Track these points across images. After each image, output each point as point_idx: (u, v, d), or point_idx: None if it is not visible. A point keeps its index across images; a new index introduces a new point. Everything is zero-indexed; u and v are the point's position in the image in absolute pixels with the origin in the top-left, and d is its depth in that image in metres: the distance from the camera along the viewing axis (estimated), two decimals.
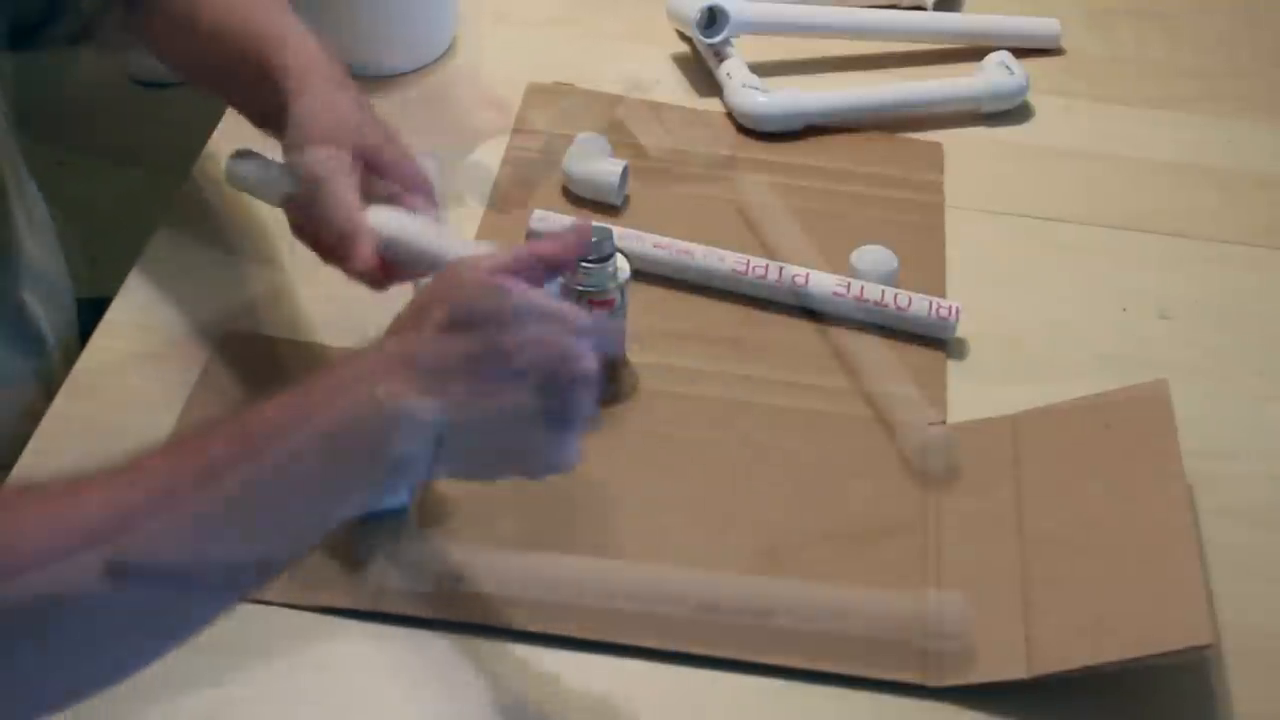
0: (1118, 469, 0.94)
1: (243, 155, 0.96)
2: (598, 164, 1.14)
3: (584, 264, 0.96)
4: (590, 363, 0.75)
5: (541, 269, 0.79)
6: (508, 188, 1.16)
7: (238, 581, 0.71)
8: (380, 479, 0.72)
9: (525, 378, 0.74)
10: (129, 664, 0.69)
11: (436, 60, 1.27)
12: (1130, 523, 0.91)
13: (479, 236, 1.12)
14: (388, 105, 1.20)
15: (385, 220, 0.88)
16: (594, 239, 0.95)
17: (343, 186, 0.88)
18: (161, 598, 0.68)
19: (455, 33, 1.29)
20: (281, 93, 0.91)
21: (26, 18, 1.02)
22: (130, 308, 1.04)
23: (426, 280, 0.85)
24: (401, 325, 0.76)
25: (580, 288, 0.96)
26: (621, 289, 0.98)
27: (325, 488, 0.71)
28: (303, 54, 0.93)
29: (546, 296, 0.78)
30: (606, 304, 0.97)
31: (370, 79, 1.18)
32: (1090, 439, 0.96)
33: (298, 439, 0.70)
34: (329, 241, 0.88)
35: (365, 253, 0.87)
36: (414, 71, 1.26)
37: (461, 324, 0.74)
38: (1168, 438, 0.93)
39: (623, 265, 0.98)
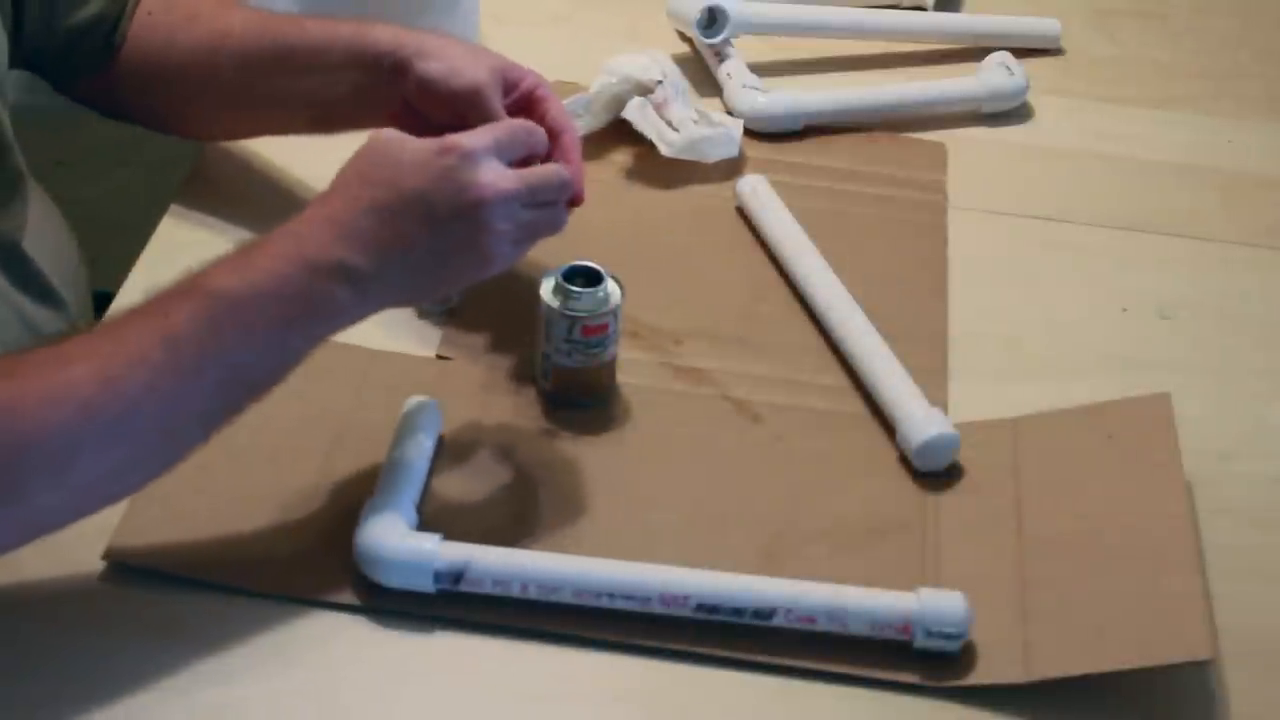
0: (1118, 478, 0.94)
1: None
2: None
3: (575, 289, 0.96)
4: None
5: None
6: None
7: (210, 420, 0.83)
8: (323, 326, 0.85)
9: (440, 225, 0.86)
10: (132, 485, 0.82)
11: None
12: (1131, 531, 0.91)
13: None
14: None
15: None
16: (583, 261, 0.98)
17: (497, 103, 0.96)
18: (145, 448, 0.80)
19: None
20: (391, 63, 0.98)
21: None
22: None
23: None
24: (335, 192, 0.86)
25: (572, 313, 0.96)
26: (614, 314, 0.98)
27: (273, 338, 0.83)
28: (389, 30, 1.00)
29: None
30: (600, 329, 0.97)
31: None
32: (1091, 447, 0.96)
33: (244, 298, 0.81)
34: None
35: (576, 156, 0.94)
36: None
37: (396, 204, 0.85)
38: (1170, 450, 0.93)
39: (613, 290, 0.98)
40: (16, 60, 1.02)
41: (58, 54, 1.05)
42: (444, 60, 0.97)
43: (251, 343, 0.82)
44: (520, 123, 0.92)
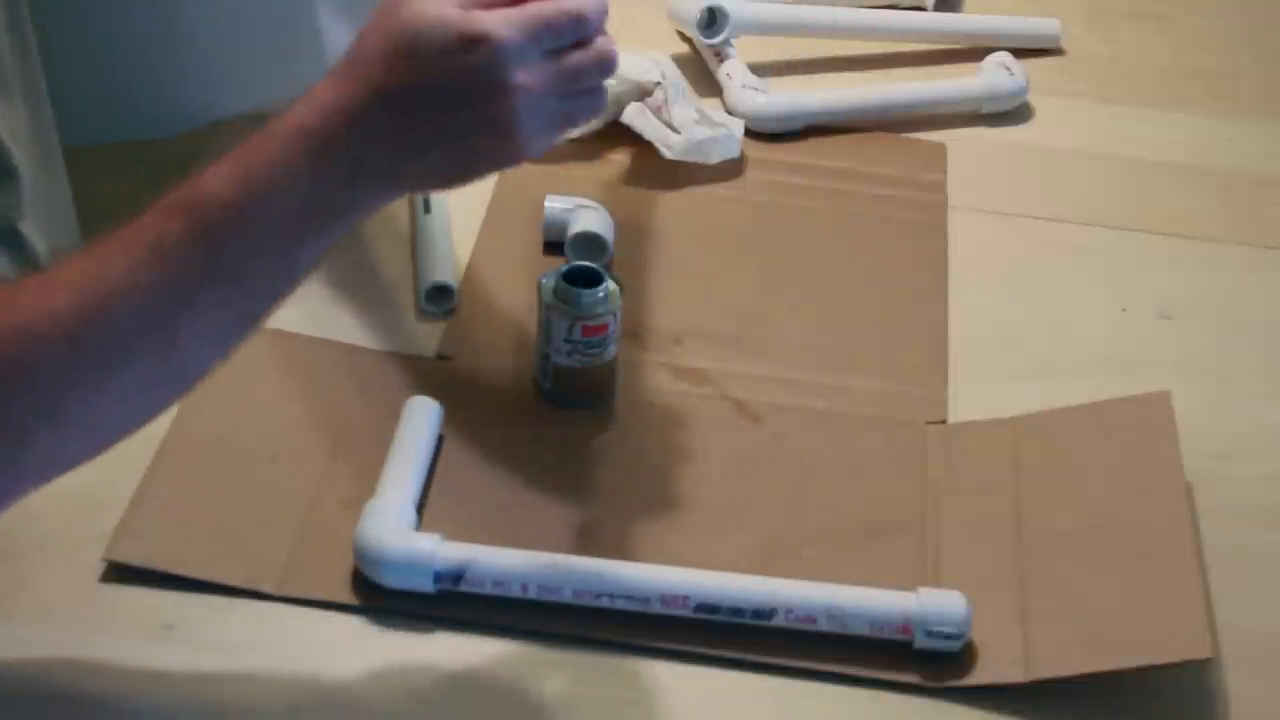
0: (1118, 478, 0.94)
1: None
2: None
3: (575, 289, 0.96)
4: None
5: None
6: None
7: (219, 339, 0.74)
8: (334, 230, 0.75)
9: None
10: (141, 416, 0.75)
11: None
12: (1130, 530, 0.91)
13: (486, 224, 1.12)
14: None
15: None
16: (582, 261, 0.97)
17: None
18: (149, 372, 0.72)
19: None
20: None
21: None
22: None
23: None
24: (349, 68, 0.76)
25: (572, 313, 0.96)
26: (614, 313, 0.98)
27: (277, 251, 0.74)
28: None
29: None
30: (600, 329, 0.97)
31: None
32: (1091, 446, 0.96)
33: (242, 209, 0.73)
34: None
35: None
36: None
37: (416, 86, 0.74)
38: (1169, 449, 0.93)
39: (613, 290, 0.98)
40: None
41: None
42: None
43: (252, 259, 0.73)
44: (568, 7, 0.79)
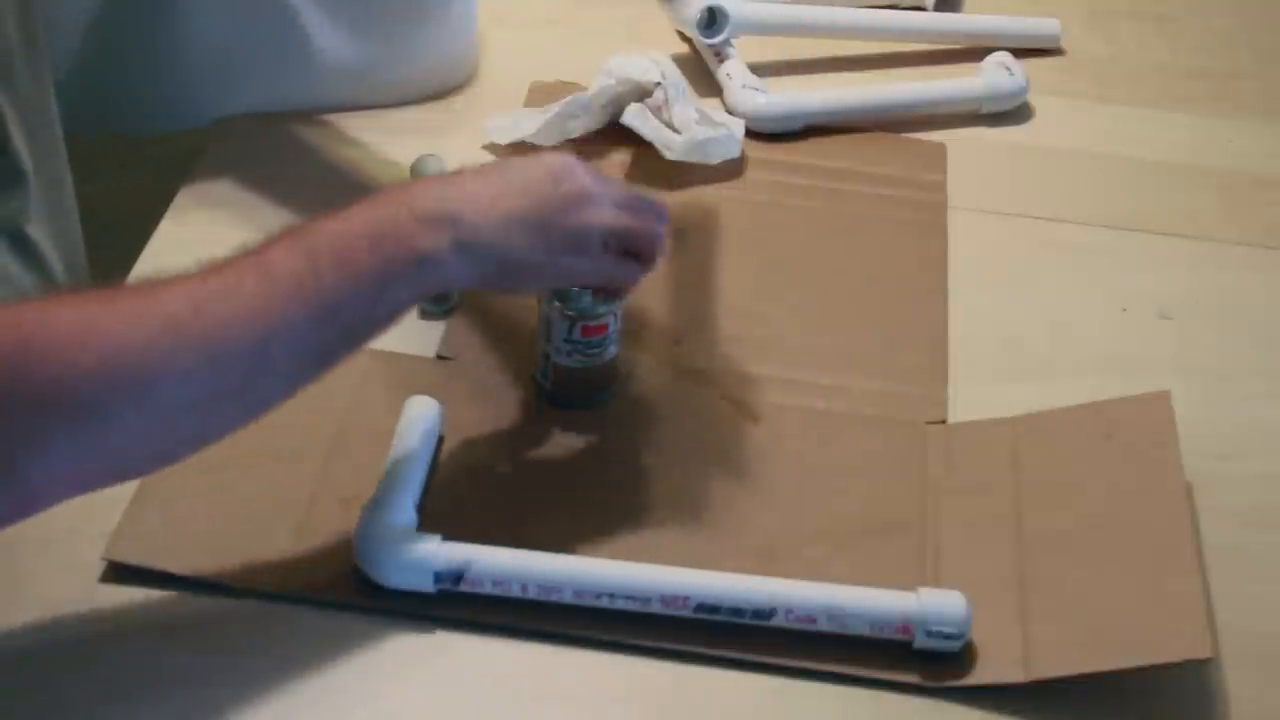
0: (1118, 478, 0.94)
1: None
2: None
3: (576, 289, 0.96)
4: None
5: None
6: None
7: (302, 363, 0.80)
8: (425, 278, 0.83)
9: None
10: (212, 434, 0.79)
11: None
12: (1130, 530, 0.91)
13: None
14: (411, 115, 1.21)
15: None
16: None
17: None
18: (232, 379, 0.77)
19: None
20: None
21: None
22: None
23: None
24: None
25: (572, 313, 0.96)
26: (614, 313, 0.98)
27: (371, 280, 0.80)
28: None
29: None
30: (600, 329, 0.97)
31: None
32: (1091, 446, 0.96)
33: (341, 236, 0.80)
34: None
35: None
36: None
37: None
38: (1169, 449, 0.93)
39: None
40: None
41: None
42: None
43: (349, 282, 0.79)
44: (649, 206, 0.94)
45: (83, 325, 0.73)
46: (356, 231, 0.80)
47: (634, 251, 0.92)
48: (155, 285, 0.77)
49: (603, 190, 0.90)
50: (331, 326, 0.79)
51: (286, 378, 0.79)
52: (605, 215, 0.89)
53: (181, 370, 0.75)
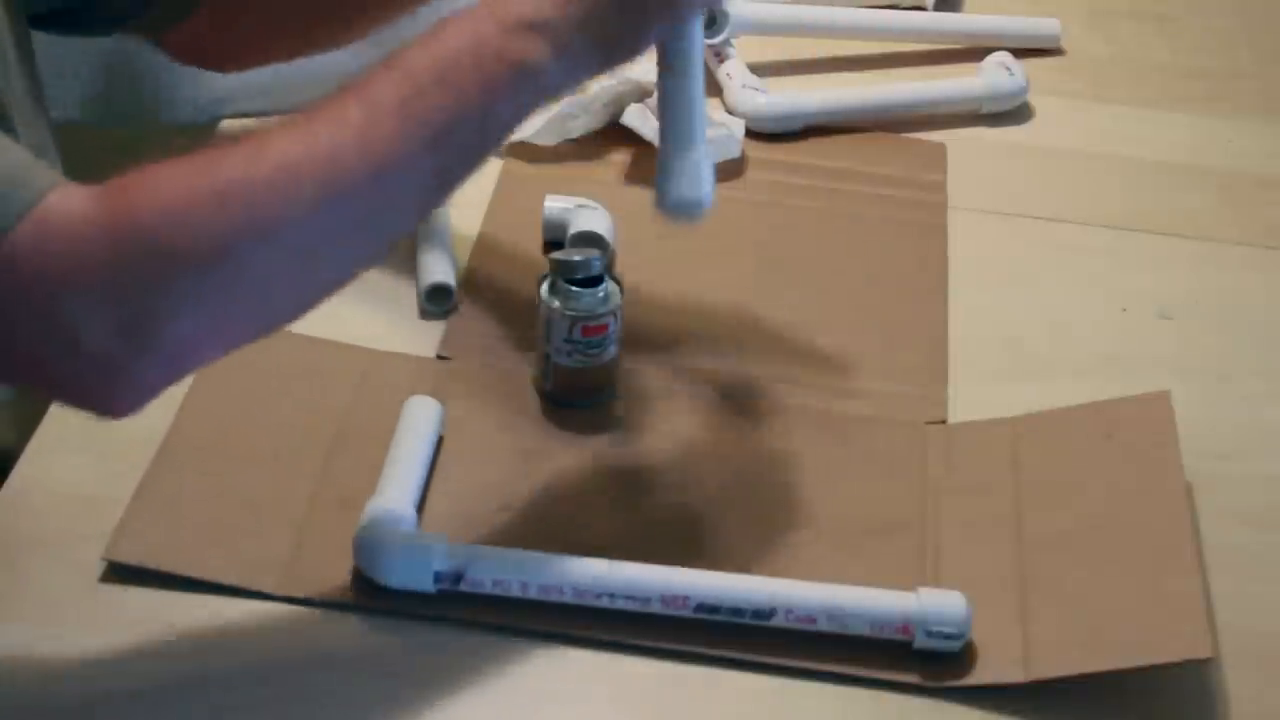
0: (1118, 478, 0.94)
1: None
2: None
3: (575, 288, 0.96)
4: None
5: None
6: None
7: (421, 189, 0.78)
8: (527, 89, 0.80)
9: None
10: (346, 270, 0.78)
11: None
12: (1130, 530, 0.91)
13: (486, 224, 1.12)
14: None
15: None
16: (581, 258, 0.97)
17: None
18: (357, 210, 0.76)
19: None
20: None
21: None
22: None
23: None
24: None
25: (572, 313, 0.96)
26: (614, 313, 0.98)
27: (476, 98, 0.78)
28: None
29: None
30: (599, 330, 0.97)
31: None
32: (1091, 446, 0.96)
33: (439, 59, 0.78)
34: None
35: None
36: None
37: None
38: (1169, 449, 0.93)
39: (613, 290, 0.98)
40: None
41: None
42: None
43: (454, 103, 0.78)
44: None
45: (191, 179, 0.73)
46: (451, 50, 0.78)
47: None
48: (261, 136, 0.75)
49: None
50: (445, 147, 0.78)
51: (411, 203, 0.79)
52: None
53: (304, 205, 0.74)
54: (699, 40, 0.88)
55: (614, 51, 0.84)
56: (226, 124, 1.20)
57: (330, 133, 0.75)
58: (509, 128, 0.81)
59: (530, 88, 0.80)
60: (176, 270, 0.71)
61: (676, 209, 0.88)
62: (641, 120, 1.18)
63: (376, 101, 0.76)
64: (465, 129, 0.78)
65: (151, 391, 0.74)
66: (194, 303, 0.72)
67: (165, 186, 0.73)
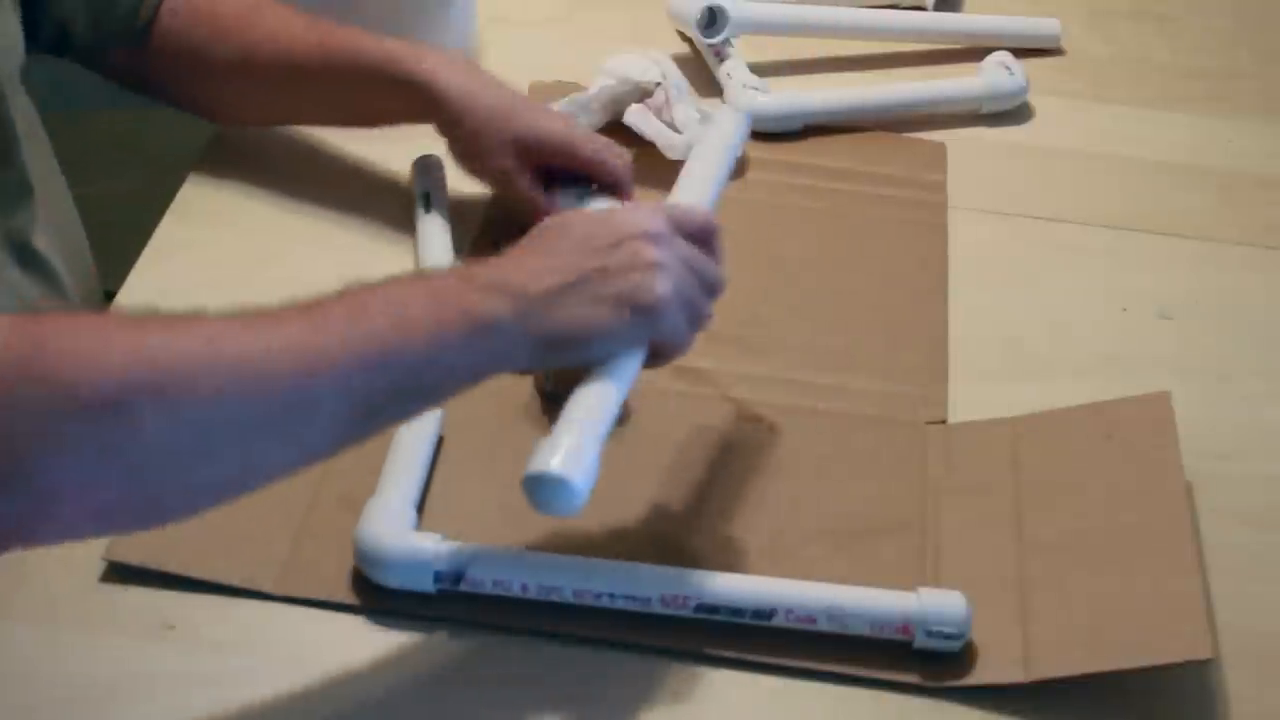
0: (1118, 478, 0.94)
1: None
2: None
3: None
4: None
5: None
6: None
7: (347, 410, 0.76)
8: (481, 345, 0.79)
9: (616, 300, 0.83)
10: (250, 474, 0.75)
11: None
12: (1130, 531, 0.91)
13: (486, 223, 1.12)
14: None
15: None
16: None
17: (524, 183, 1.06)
18: (272, 409, 0.73)
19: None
20: (419, 91, 1.05)
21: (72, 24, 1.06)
22: (132, 306, 1.04)
23: None
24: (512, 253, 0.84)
25: None
26: None
27: (423, 337, 0.77)
28: (427, 57, 1.06)
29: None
30: None
31: None
32: (1091, 446, 0.96)
33: (394, 291, 0.78)
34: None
35: None
36: None
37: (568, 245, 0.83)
38: (1169, 449, 0.93)
39: None
40: (42, 42, 1.02)
41: (86, 25, 1.06)
42: (473, 143, 1.07)
43: (399, 333, 0.76)
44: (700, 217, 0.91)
45: (109, 328, 0.71)
46: (410, 291, 0.78)
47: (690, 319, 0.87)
48: (191, 314, 0.73)
49: (668, 256, 0.85)
50: (380, 376, 0.75)
51: (330, 423, 0.75)
52: (663, 251, 0.84)
53: (217, 386, 0.70)
54: (636, 366, 0.86)
55: (577, 341, 0.82)
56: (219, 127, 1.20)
57: (266, 326, 0.73)
58: (456, 381, 0.79)
59: (485, 345, 0.79)
60: (63, 405, 0.67)
61: (532, 484, 0.80)
62: (642, 120, 1.18)
63: (322, 315, 0.75)
64: (405, 364, 0.76)
65: (17, 537, 0.70)
66: (73, 446, 0.67)
67: (84, 327, 0.70)
